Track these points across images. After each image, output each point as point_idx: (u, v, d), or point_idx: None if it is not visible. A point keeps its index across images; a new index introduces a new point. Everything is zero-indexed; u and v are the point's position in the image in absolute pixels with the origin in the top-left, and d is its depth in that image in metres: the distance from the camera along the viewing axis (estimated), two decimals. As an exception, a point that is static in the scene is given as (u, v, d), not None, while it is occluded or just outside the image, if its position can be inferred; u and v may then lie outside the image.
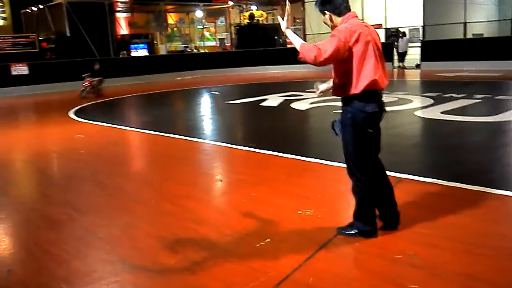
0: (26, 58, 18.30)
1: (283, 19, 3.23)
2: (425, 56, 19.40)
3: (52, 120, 10.86)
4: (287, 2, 3.34)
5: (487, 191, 4.30)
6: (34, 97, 16.42)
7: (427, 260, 3.05)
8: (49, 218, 4.29)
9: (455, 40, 19.29)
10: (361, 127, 3.21)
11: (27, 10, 22.71)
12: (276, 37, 25.64)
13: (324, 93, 3.59)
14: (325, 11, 3.25)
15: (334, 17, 3.24)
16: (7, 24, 25.85)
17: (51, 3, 21.83)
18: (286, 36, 3.27)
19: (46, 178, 5.99)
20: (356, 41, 3.07)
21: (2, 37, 19.34)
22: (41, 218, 4.31)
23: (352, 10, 3.27)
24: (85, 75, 14.60)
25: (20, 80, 17.42)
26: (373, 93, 3.18)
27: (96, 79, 14.73)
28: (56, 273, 3.20)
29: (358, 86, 3.12)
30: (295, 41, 3.14)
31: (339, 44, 3.02)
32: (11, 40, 19.31)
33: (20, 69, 17.47)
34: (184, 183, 5.19)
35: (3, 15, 25.81)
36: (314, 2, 3.40)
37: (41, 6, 21.57)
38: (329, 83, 3.47)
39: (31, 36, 20.02)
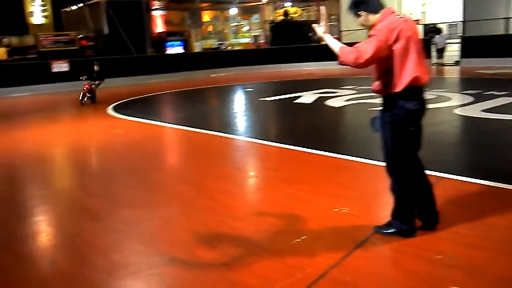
0: (66, 55, 18.82)
1: (318, 24, 3.19)
2: (465, 53, 18.89)
3: (91, 116, 11.15)
4: (321, 7, 3.28)
5: (530, 191, 4.17)
6: (73, 93, 16.84)
7: (467, 261, 2.99)
8: (90, 210, 4.41)
9: (496, 36, 18.70)
10: (401, 124, 3.16)
11: (68, 9, 23.34)
12: (310, 34, 25.46)
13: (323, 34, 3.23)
14: (359, 12, 3.19)
15: (371, 16, 3.17)
16: (48, 23, 26.62)
17: (90, 2, 22.38)
18: (323, 40, 3.19)
19: (86, 172, 6.16)
20: (397, 39, 3.01)
21: (44, 35, 19.94)
22: (82, 211, 4.45)
23: (388, 6, 3.21)
24: (83, 77, 12.62)
25: (61, 77, 17.91)
26: (415, 89, 3.12)
27: (96, 82, 12.85)
28: (97, 264, 3.30)
29: (400, 84, 3.08)
30: (334, 45, 3.11)
31: (379, 44, 2.98)
32: (52, 38, 19.91)
33: (61, 66, 17.98)
34: (220, 178, 5.24)
35: (45, 13, 26.62)
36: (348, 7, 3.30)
37: (80, 5, 22.14)
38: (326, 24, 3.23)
39: (71, 34, 20.58)
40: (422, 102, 3.20)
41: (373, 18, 3.17)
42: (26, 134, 9.05)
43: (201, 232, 3.71)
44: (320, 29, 3.21)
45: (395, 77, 3.08)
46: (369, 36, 3.06)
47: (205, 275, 3.06)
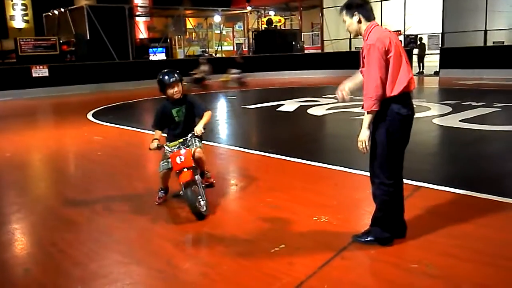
0: (47, 60, 18.61)
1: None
2: (443, 64, 19.22)
3: (70, 122, 10.99)
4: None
5: (506, 201, 4.24)
6: (53, 98, 16.65)
7: (444, 270, 3.01)
8: (67, 219, 4.34)
9: (474, 47, 19.08)
10: (396, 129, 3.22)
11: (49, 14, 23.08)
12: (293, 42, 25.64)
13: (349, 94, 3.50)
14: (355, 13, 3.24)
15: (363, 21, 3.24)
16: (29, 27, 26.38)
17: (72, 7, 22.17)
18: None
19: (64, 179, 6.06)
20: (390, 50, 3.12)
21: (24, 40, 19.67)
22: (58, 219, 4.37)
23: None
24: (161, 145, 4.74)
25: (41, 82, 17.70)
26: (407, 95, 3.23)
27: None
28: (73, 273, 3.24)
29: (395, 90, 3.15)
30: (366, 119, 3.22)
31: (379, 73, 3.09)
32: (33, 42, 19.64)
33: (40, 71, 17.77)
34: (199, 187, 5.19)
35: (26, 18, 26.34)
36: (340, 7, 3.37)
37: (62, 10, 21.90)
38: (355, 81, 3.44)
39: (52, 39, 20.34)
40: (412, 108, 3.29)
41: (363, 25, 3.25)
42: (3, 140, 8.88)
43: (178, 240, 3.68)
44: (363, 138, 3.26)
45: (389, 83, 3.14)
46: (367, 57, 3.12)
47: (182, 284, 3.03)
